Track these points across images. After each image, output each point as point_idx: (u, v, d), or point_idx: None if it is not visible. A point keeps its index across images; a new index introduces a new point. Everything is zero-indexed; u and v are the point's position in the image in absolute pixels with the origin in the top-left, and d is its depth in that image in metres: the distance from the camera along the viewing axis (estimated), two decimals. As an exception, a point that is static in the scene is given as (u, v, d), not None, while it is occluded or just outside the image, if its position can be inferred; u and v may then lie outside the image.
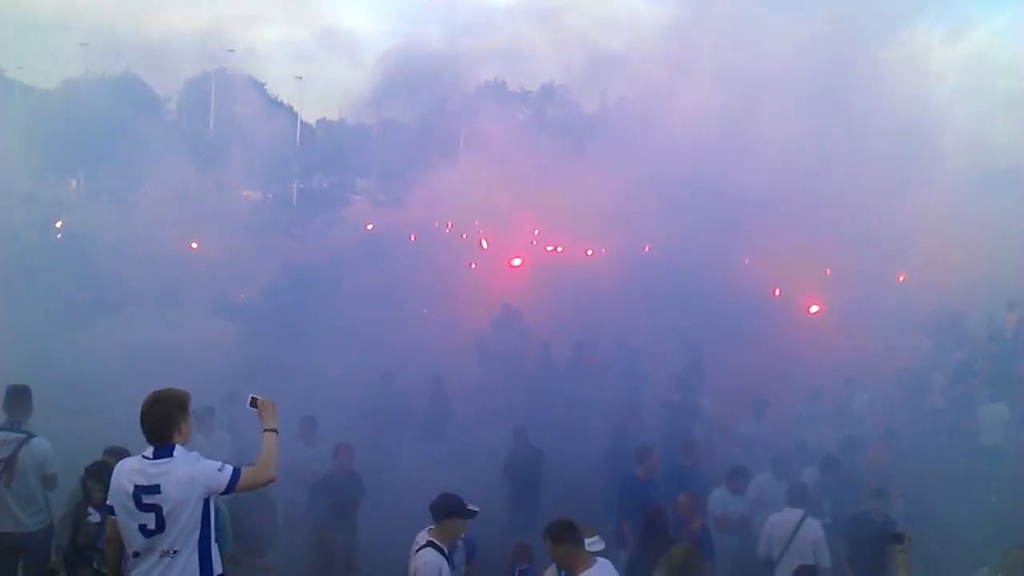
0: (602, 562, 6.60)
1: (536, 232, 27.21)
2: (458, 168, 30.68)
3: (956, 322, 19.85)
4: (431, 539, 7.11)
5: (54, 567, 8.21)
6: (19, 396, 8.63)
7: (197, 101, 52.86)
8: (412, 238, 27.89)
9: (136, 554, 5.23)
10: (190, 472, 5.24)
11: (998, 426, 14.28)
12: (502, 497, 11.45)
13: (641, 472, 10.61)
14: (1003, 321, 21.14)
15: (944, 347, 18.06)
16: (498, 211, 26.31)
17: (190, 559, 5.24)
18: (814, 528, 9.18)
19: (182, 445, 5.35)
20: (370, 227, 30.47)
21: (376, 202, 47.11)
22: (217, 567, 5.41)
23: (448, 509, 7.18)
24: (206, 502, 5.30)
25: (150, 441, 5.29)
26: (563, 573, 6.83)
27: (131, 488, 5.17)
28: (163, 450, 5.25)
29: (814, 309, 18.86)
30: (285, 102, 58.71)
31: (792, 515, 9.33)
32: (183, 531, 5.20)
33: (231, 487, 5.35)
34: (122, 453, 7.59)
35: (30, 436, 8.49)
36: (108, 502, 5.36)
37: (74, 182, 41.69)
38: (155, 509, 5.15)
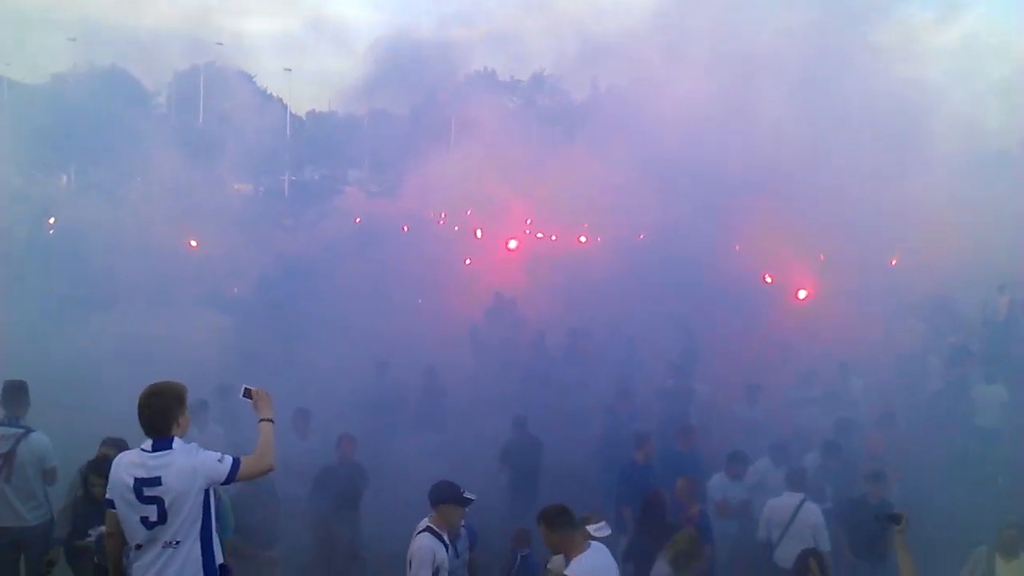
0: (596, 546, 6.63)
1: (528, 221, 27.21)
2: (450, 158, 30.58)
3: (949, 305, 19.93)
4: (429, 525, 7.22)
5: (51, 559, 8.24)
6: (16, 391, 8.65)
7: (186, 94, 52.66)
8: (405, 229, 27.84)
9: (138, 546, 5.24)
10: (191, 463, 5.26)
11: (995, 407, 14.37)
12: (502, 485, 11.48)
13: (639, 458, 10.68)
14: (996, 303, 21.28)
15: (938, 330, 18.12)
16: (491, 200, 26.27)
17: (192, 549, 5.26)
18: (813, 512, 9.24)
19: (180, 437, 5.36)
20: (358, 220, 30.35)
21: (369, 193, 47.00)
22: (219, 557, 5.45)
23: (443, 496, 7.27)
24: (207, 493, 5.33)
25: (148, 434, 5.29)
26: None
27: (131, 481, 5.17)
28: (162, 443, 5.26)
29: (802, 294, 18.89)
30: (275, 94, 58.55)
31: (791, 499, 9.39)
32: (185, 522, 5.22)
33: (231, 477, 5.39)
34: (120, 443, 7.62)
35: (28, 431, 8.50)
36: (108, 496, 5.36)
37: (64, 177, 41.50)
38: (157, 501, 5.16)
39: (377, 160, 54.87)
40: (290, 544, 9.51)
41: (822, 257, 20.81)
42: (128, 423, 5.49)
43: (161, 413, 5.27)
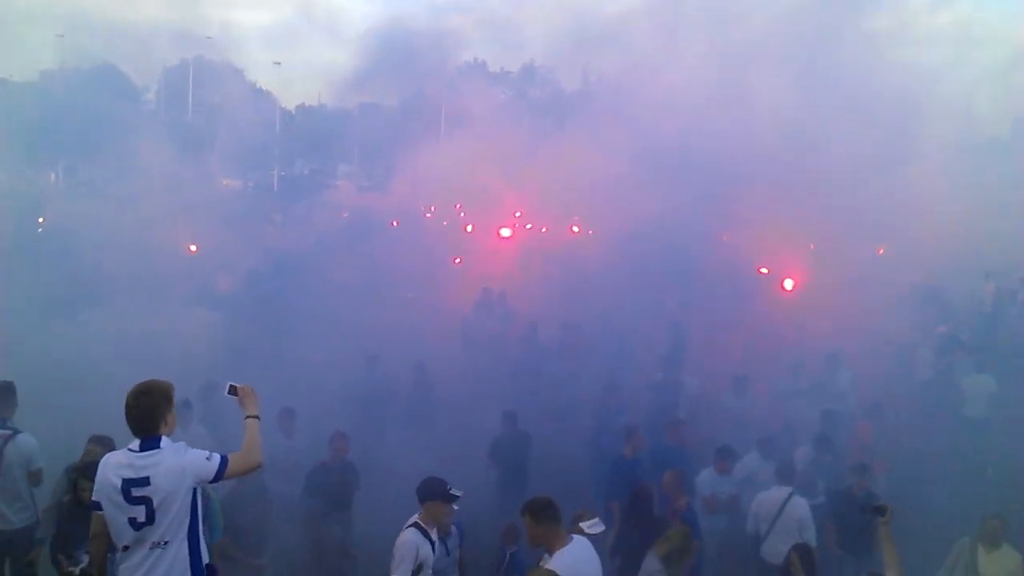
0: (578, 539, 6.63)
1: (518, 214, 27.19)
2: (440, 150, 30.54)
3: (938, 295, 20.00)
4: (417, 520, 7.26)
5: (31, 559, 8.26)
6: (3, 392, 8.63)
7: (175, 89, 52.48)
8: (394, 223, 27.79)
9: (125, 547, 5.23)
10: (180, 462, 5.26)
11: (983, 398, 14.43)
12: (491, 481, 11.50)
13: (628, 452, 10.71)
14: (982, 292, 21.38)
15: (928, 320, 18.17)
16: (482, 192, 26.24)
17: (180, 550, 5.27)
18: (800, 506, 9.25)
19: (167, 436, 5.36)
20: (345, 215, 30.30)
21: (360, 187, 46.93)
22: (205, 557, 5.45)
23: (431, 492, 7.30)
24: (194, 492, 5.34)
25: (136, 434, 5.28)
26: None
27: (119, 482, 5.16)
28: (150, 442, 5.25)
29: (789, 285, 18.93)
30: (264, 88, 58.40)
31: (779, 493, 9.41)
32: (173, 522, 5.22)
33: (220, 475, 5.39)
34: (106, 440, 7.62)
35: (15, 432, 8.48)
36: (94, 498, 5.34)
37: (53, 174, 41.35)
38: (145, 501, 5.15)
39: (367, 154, 54.75)
40: (281, 543, 9.51)
41: (812, 247, 20.83)
42: (114, 422, 5.48)
43: (149, 412, 5.25)
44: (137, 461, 5.21)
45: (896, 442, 11.87)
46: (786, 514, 9.20)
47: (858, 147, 21.74)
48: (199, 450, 5.45)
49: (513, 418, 12.03)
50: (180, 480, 5.22)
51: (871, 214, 20.82)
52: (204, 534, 5.51)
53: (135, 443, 5.28)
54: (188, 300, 17.71)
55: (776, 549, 8.86)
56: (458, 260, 23.54)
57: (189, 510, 5.30)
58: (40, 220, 26.25)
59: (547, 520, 6.49)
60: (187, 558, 5.29)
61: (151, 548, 5.20)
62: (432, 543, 7.22)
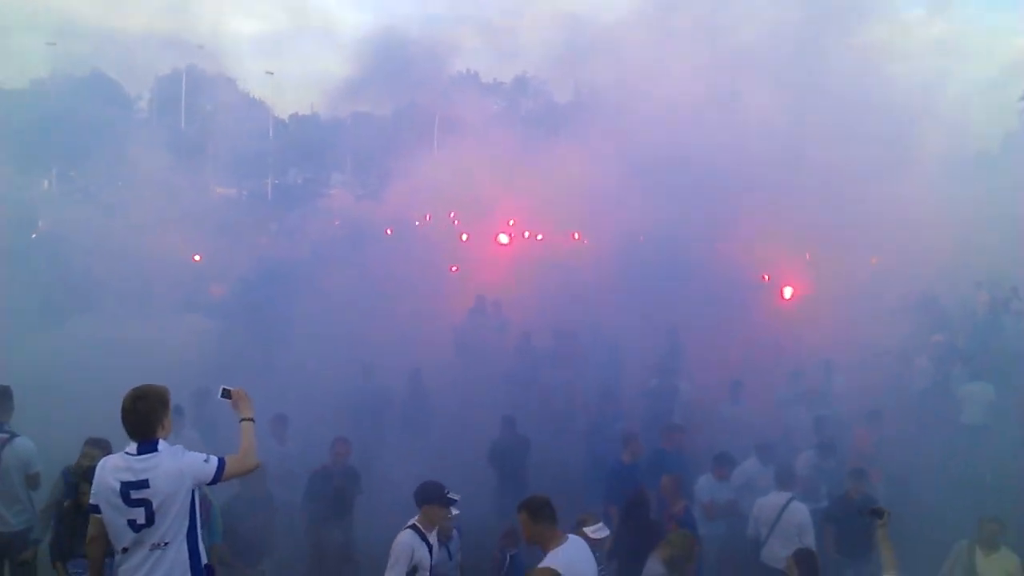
0: (574, 539, 6.63)
1: (511, 223, 27.18)
2: (433, 159, 30.59)
3: (934, 303, 20.08)
4: (415, 523, 7.27)
5: (25, 559, 8.24)
6: (0, 397, 8.60)
7: (168, 98, 52.47)
8: (388, 231, 27.77)
9: (125, 550, 5.24)
10: (178, 465, 5.28)
11: (981, 405, 14.48)
12: (490, 486, 11.50)
13: (627, 457, 10.73)
14: (975, 301, 21.47)
15: (924, 328, 18.22)
16: (475, 201, 26.25)
17: (180, 551, 5.29)
18: (799, 512, 9.26)
19: (164, 440, 5.37)
20: (337, 223, 30.28)
21: (356, 196, 46.93)
22: (203, 557, 5.48)
23: (428, 496, 7.33)
24: (193, 494, 5.37)
25: (133, 437, 5.29)
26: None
27: (117, 485, 5.17)
28: (147, 445, 5.27)
29: (788, 294, 18.98)
30: (257, 97, 58.37)
31: (779, 498, 9.42)
32: (173, 523, 5.24)
33: (217, 477, 5.43)
34: (103, 443, 7.61)
35: (13, 436, 8.48)
36: (92, 501, 5.35)
37: (46, 182, 41.28)
38: (144, 504, 5.17)
39: (360, 163, 54.78)
40: (282, 547, 9.49)
41: (808, 256, 20.89)
42: (112, 426, 5.47)
43: (146, 416, 5.27)
44: (136, 464, 5.22)
45: (894, 449, 11.89)
46: (785, 519, 9.21)
47: (851, 158, 21.84)
48: (197, 452, 5.51)
49: (512, 423, 12.06)
50: (179, 482, 5.26)
51: (864, 224, 20.88)
52: (203, 537, 5.52)
53: (132, 446, 5.30)
54: (181, 307, 17.70)
55: (775, 554, 8.89)
56: (455, 268, 23.55)
57: (188, 512, 5.33)
58: (38, 225, 26.18)
59: (543, 519, 6.48)
60: (187, 559, 5.32)
61: (151, 550, 5.22)
62: (429, 546, 7.23)
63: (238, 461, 5.52)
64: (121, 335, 14.90)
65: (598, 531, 7.38)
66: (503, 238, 24.81)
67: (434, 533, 7.35)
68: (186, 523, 5.31)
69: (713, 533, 9.98)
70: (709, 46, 25.63)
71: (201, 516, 5.54)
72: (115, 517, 5.22)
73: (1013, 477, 12.15)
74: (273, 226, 31.93)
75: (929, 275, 20.28)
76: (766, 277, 20.14)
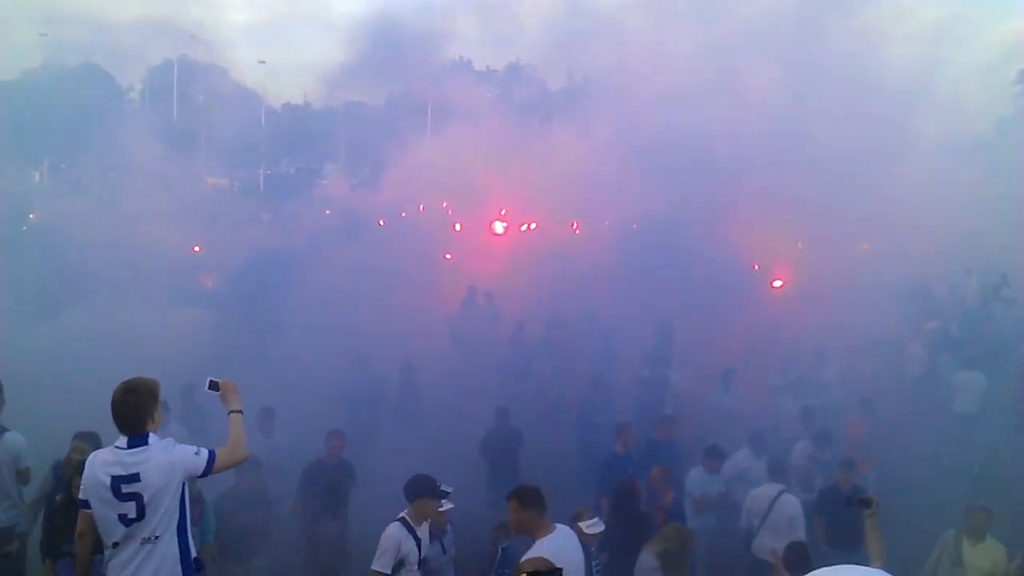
0: (561, 528, 6.65)
1: (503, 212, 27.13)
2: (426, 148, 30.48)
3: (926, 291, 20.11)
4: (404, 516, 7.26)
5: (9, 550, 8.24)
6: (-9, 391, 8.57)
7: (160, 88, 52.27)
8: (381, 222, 27.70)
9: (115, 544, 5.25)
10: (169, 458, 5.29)
11: (974, 394, 14.52)
12: (481, 477, 11.52)
13: (620, 448, 10.75)
14: (965, 288, 21.50)
15: (916, 317, 18.25)
16: (469, 190, 26.17)
17: (170, 544, 5.30)
18: (791, 504, 9.27)
19: (154, 433, 5.38)
20: (328, 212, 30.19)
21: (350, 186, 46.82)
22: (194, 550, 5.51)
23: (420, 490, 7.31)
24: (183, 486, 5.37)
25: (123, 431, 5.29)
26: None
27: (108, 479, 5.18)
28: (138, 439, 5.27)
29: (777, 284, 19.00)
30: (249, 86, 58.17)
31: (770, 490, 9.44)
32: (164, 517, 5.25)
33: (208, 469, 5.44)
34: (92, 437, 7.59)
35: (3, 430, 8.41)
36: (82, 496, 5.37)
37: (37, 174, 41.14)
38: (135, 497, 5.18)
39: (353, 152, 54.66)
40: (274, 540, 9.50)
41: (800, 245, 20.89)
42: (102, 420, 5.47)
43: (136, 409, 5.28)
44: (126, 458, 5.23)
45: (886, 437, 11.93)
46: (776, 511, 9.22)
47: (844, 144, 21.79)
48: (187, 445, 5.51)
49: (505, 413, 12.08)
50: (170, 475, 5.27)
51: (859, 210, 20.86)
52: (194, 535, 5.53)
53: (122, 440, 5.30)
54: (173, 299, 17.66)
55: (766, 546, 8.90)
56: (448, 256, 23.53)
57: (179, 505, 5.34)
58: (30, 217, 26.07)
59: (532, 507, 6.51)
60: (177, 552, 5.33)
61: (142, 543, 5.23)
62: (417, 540, 7.21)
63: (228, 453, 5.54)
64: (112, 327, 14.88)
65: (593, 526, 7.41)
66: (498, 227, 24.75)
67: (424, 527, 7.34)
68: (176, 516, 5.32)
69: (704, 526, 10.01)
70: (705, 31, 25.55)
71: (194, 514, 5.56)
72: (105, 512, 5.22)
73: (1003, 466, 12.20)
74: (265, 216, 31.81)
75: (922, 261, 20.29)
76: (756, 266, 20.12)
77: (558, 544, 6.38)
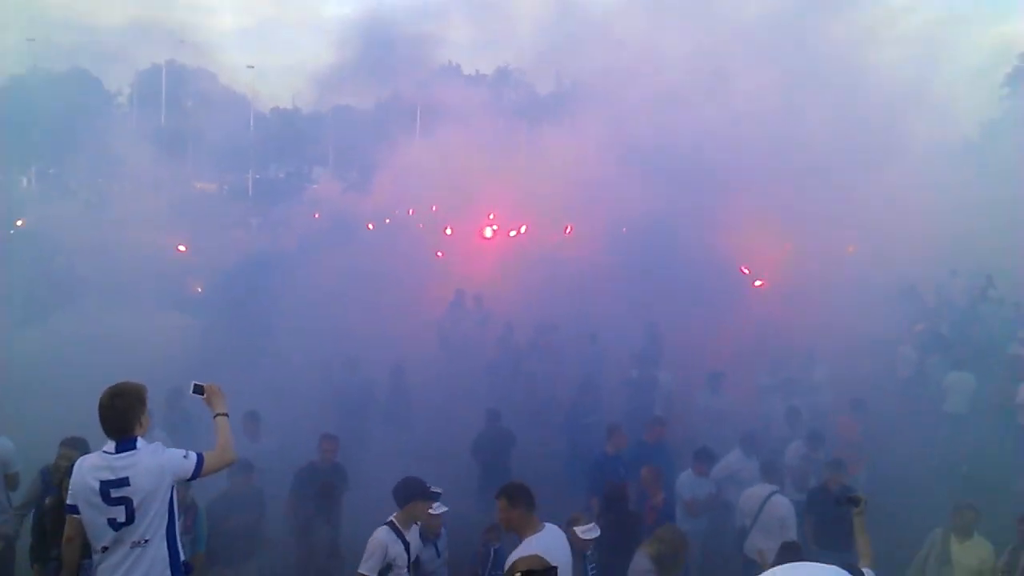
0: (550, 527, 6.61)
1: (491, 216, 27.13)
2: (415, 152, 30.46)
3: (915, 292, 20.17)
4: (392, 519, 7.21)
5: None
6: (-22, 396, 8.56)
7: (148, 93, 52.12)
8: (370, 227, 27.66)
9: (104, 548, 5.23)
10: (158, 462, 5.28)
11: (964, 394, 14.57)
12: (472, 479, 11.50)
13: (610, 449, 10.76)
14: (951, 289, 21.59)
15: (905, 318, 18.30)
16: (459, 194, 26.16)
17: (159, 548, 5.29)
18: (782, 505, 9.26)
19: (142, 437, 5.36)
20: (317, 215, 30.12)
21: (340, 189, 46.74)
22: (182, 554, 5.49)
23: (410, 493, 7.26)
24: (171, 490, 5.36)
25: (111, 435, 5.28)
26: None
27: (96, 484, 5.16)
28: (126, 443, 5.25)
29: (758, 284, 19.05)
30: (237, 91, 58.08)
31: (762, 490, 9.44)
32: (153, 521, 5.24)
33: (197, 473, 5.44)
34: (79, 443, 7.55)
35: (-8, 436, 8.41)
36: (70, 501, 5.34)
37: (25, 179, 40.99)
38: (124, 502, 5.17)
39: (342, 156, 54.60)
40: (266, 543, 9.48)
41: (788, 247, 20.92)
42: (90, 424, 5.45)
43: (124, 414, 5.26)
44: (115, 462, 5.21)
45: (876, 438, 11.97)
46: (767, 511, 9.21)
47: (833, 146, 21.86)
48: (176, 449, 5.50)
49: (496, 415, 12.06)
50: (159, 479, 5.26)
51: (847, 212, 20.92)
52: (185, 543, 5.50)
53: (110, 445, 5.28)
54: (161, 303, 17.59)
55: (757, 546, 8.91)
56: (440, 254, 23.51)
57: (167, 508, 5.33)
58: (17, 223, 25.95)
59: (521, 504, 6.48)
60: (166, 556, 5.32)
61: (131, 547, 5.22)
62: (406, 544, 7.17)
63: (216, 456, 5.54)
64: (100, 331, 14.84)
65: (588, 532, 7.40)
66: (488, 232, 24.75)
67: (414, 530, 7.30)
68: (165, 520, 5.31)
69: (695, 529, 9.96)
70: (694, 34, 25.61)
71: (186, 522, 5.54)
72: (94, 516, 5.20)
73: (991, 466, 12.24)
74: (254, 220, 31.74)
75: (911, 262, 20.36)
76: (746, 269, 20.15)
77: (547, 543, 6.34)
